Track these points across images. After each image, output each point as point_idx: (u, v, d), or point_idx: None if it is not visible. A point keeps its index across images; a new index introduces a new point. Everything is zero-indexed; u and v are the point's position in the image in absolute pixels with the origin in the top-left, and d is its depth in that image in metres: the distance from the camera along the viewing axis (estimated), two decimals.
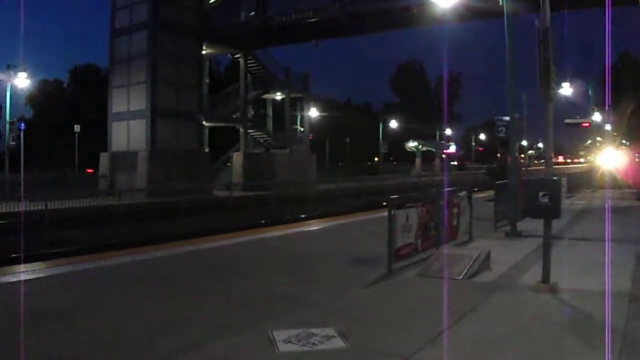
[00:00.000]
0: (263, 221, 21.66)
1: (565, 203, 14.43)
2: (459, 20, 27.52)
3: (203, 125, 34.50)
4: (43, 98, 59.96)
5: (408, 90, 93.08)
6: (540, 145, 79.92)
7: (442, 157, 73.26)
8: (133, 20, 30.81)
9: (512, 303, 6.18)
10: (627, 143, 42.57)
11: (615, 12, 24.46)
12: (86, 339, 4.98)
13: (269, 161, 37.83)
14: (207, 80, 36.58)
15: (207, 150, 35.91)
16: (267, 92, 39.98)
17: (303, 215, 24.12)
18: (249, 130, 38.17)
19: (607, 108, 32.33)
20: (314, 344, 4.73)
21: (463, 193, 10.71)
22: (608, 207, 16.43)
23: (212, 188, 31.86)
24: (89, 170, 41.88)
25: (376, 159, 77.45)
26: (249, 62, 37.15)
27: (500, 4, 11.59)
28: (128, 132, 30.81)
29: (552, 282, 6.60)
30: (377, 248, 8.29)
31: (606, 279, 6.69)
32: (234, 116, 38.11)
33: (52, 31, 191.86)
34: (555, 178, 7.10)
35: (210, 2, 33.63)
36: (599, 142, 33.47)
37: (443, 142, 76.15)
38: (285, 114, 40.36)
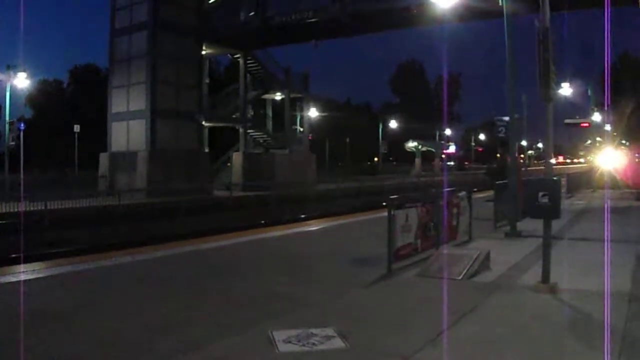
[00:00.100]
0: (263, 221, 21.66)
1: (565, 203, 14.44)
2: (458, 20, 27.53)
3: (203, 125, 34.51)
4: (43, 98, 59.94)
5: (408, 90, 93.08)
6: (540, 145, 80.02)
7: (441, 157, 73.27)
8: (133, 21, 30.81)
9: (511, 303, 6.18)
10: (627, 143, 42.56)
11: (614, 13, 24.48)
12: (86, 339, 4.98)
13: (269, 161, 37.83)
14: (207, 81, 36.59)
15: (206, 150, 35.91)
16: (266, 92, 39.98)
17: (303, 216, 24.13)
18: (249, 131, 38.18)
19: (606, 108, 32.37)
20: (313, 344, 4.74)
21: (463, 193, 10.72)
22: (607, 207, 16.44)
23: (212, 188, 31.86)
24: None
25: (376, 159, 77.45)
26: (248, 62, 37.15)
27: (500, 4, 11.59)
28: (128, 132, 30.81)
29: (552, 282, 6.61)
30: (376, 248, 8.29)
31: (606, 279, 6.70)
32: (234, 116, 38.12)
33: (52, 31, 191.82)
34: (555, 178, 7.10)
35: (210, 2, 33.63)
36: (599, 142, 33.49)
37: (443, 142, 76.17)
38: (285, 114, 40.36)
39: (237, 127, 38.63)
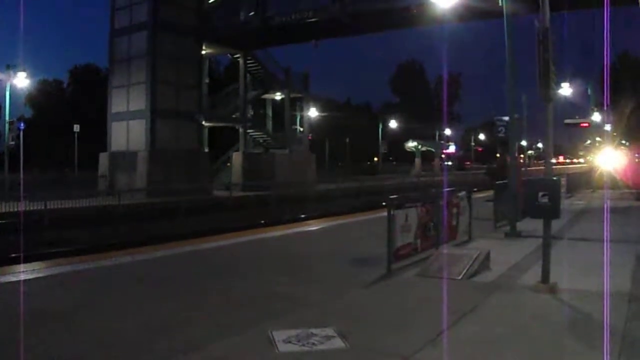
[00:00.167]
0: (263, 221, 21.66)
1: (565, 203, 14.43)
2: (458, 20, 27.53)
3: (203, 125, 34.51)
4: (43, 98, 59.95)
5: (408, 90, 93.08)
6: (540, 145, 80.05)
7: (441, 157, 73.27)
8: (133, 21, 30.82)
9: (511, 303, 6.18)
10: (627, 143, 42.59)
11: (614, 13, 24.49)
12: (86, 339, 4.99)
13: (269, 161, 37.82)
14: (207, 80, 36.59)
15: (206, 150, 35.92)
16: (266, 92, 39.98)
17: (303, 216, 24.13)
18: (249, 131, 38.18)
19: (606, 108, 32.37)
20: (313, 344, 4.74)
21: (462, 193, 10.72)
22: (607, 207, 16.45)
23: (212, 188, 31.86)
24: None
25: (376, 159, 77.45)
26: (248, 62, 37.15)
27: (500, 4, 11.60)
28: (128, 132, 30.81)
29: (552, 282, 6.61)
30: (376, 248, 8.29)
31: (605, 279, 6.70)
32: (234, 116, 38.12)
33: (52, 31, 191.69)
34: (554, 178, 7.10)
35: (210, 2, 33.63)
36: (599, 142, 33.51)
37: (442, 142, 76.18)
38: (285, 114, 40.35)
39: (237, 127, 38.63)
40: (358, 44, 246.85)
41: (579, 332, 5.07)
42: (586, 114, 31.07)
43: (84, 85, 63.50)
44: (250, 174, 35.48)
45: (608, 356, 4.40)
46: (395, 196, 8.15)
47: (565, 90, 28.36)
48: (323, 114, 54.22)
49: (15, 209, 19.40)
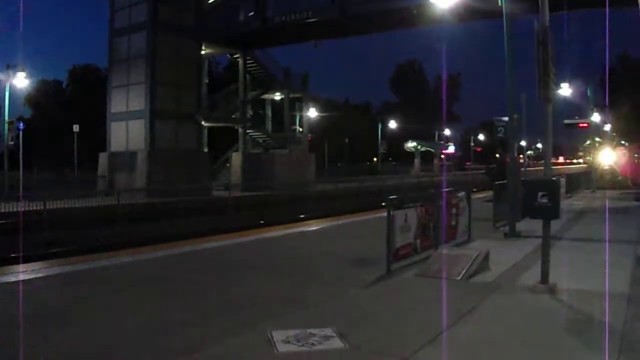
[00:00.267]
0: (262, 221, 21.65)
1: (564, 203, 14.45)
2: (458, 20, 27.56)
3: (202, 125, 34.51)
4: (42, 98, 59.87)
5: (407, 90, 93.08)
6: (539, 145, 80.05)
7: (441, 158, 73.28)
8: (132, 21, 30.82)
9: (511, 303, 6.19)
10: (626, 143, 42.63)
11: (614, 13, 24.48)
12: (86, 339, 4.98)
13: (268, 161, 37.83)
14: (207, 81, 36.60)
15: (206, 150, 35.91)
16: (266, 92, 39.99)
17: (302, 216, 24.13)
18: (248, 131, 38.18)
19: (605, 108, 32.42)
20: (312, 344, 4.74)
21: (462, 193, 10.72)
22: (607, 207, 16.46)
23: (211, 188, 31.85)
24: None
25: (375, 159, 77.45)
26: (248, 62, 37.16)
27: (499, 4, 11.60)
28: (127, 132, 30.81)
29: (551, 283, 6.61)
30: (376, 248, 8.29)
31: (605, 280, 6.71)
32: (233, 116, 38.12)
33: (51, 31, 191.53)
34: (554, 178, 7.11)
35: (210, 2, 33.65)
36: (598, 142, 33.54)
37: (442, 142, 76.18)
38: (284, 114, 40.37)
39: (236, 127, 38.64)
40: (358, 44, 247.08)
41: (578, 332, 5.07)
42: (586, 114, 31.09)
43: (84, 85, 63.45)
44: (249, 174, 35.49)
45: (607, 357, 4.41)
46: (394, 196, 8.12)
47: (565, 90, 28.35)
48: (322, 114, 54.23)
49: (15, 209, 19.37)
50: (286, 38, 35.49)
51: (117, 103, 31.46)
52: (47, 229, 18.22)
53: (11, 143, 28.33)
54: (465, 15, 24.93)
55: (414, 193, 19.30)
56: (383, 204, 8.38)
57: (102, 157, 31.53)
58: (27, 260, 11.14)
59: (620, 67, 58.20)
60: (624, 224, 12.97)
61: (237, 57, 37.61)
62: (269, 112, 42.77)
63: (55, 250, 15.30)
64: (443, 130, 78.13)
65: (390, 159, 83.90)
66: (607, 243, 9.39)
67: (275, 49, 47.29)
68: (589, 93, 32.18)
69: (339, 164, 72.23)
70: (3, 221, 18.61)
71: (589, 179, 28.25)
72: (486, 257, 7.88)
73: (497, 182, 13.37)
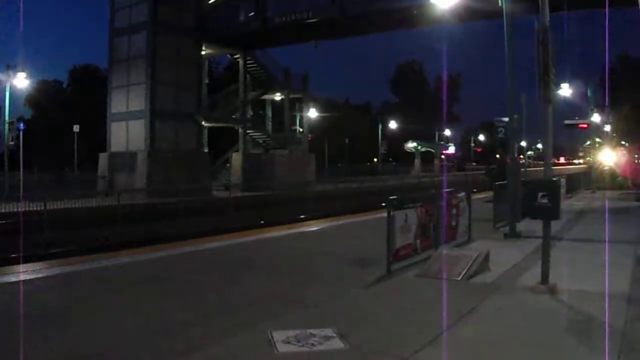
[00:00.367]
0: (262, 222, 21.64)
1: (565, 204, 14.44)
2: (458, 21, 27.55)
3: (202, 125, 34.52)
4: (42, 98, 59.87)
5: (407, 90, 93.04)
6: (540, 145, 80.00)
7: (441, 158, 73.28)
8: (132, 21, 30.85)
9: (511, 304, 6.18)
10: (626, 144, 42.65)
11: (614, 13, 24.50)
12: (86, 339, 4.98)
13: (268, 162, 37.84)
14: (207, 81, 36.61)
15: (206, 150, 35.92)
16: (266, 92, 40.00)
17: (302, 216, 24.12)
18: (248, 131, 38.19)
19: (605, 108, 32.42)
20: (313, 344, 4.74)
21: (462, 194, 10.72)
22: (607, 207, 16.47)
23: (212, 188, 31.85)
24: None
25: (375, 159, 77.45)
26: (248, 62, 37.16)
27: (500, 4, 11.60)
28: (127, 132, 30.84)
29: (551, 283, 6.61)
30: (376, 249, 8.29)
31: (605, 280, 6.71)
32: (233, 117, 38.13)
33: (51, 31, 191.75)
34: (554, 179, 7.11)
35: (210, 2, 33.65)
36: (598, 142, 33.56)
37: (442, 142, 76.16)
38: (284, 115, 40.38)
39: (236, 128, 38.64)
40: (358, 44, 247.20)
41: (578, 333, 5.07)
42: (586, 114, 31.10)
43: (84, 85, 63.42)
44: (249, 174, 35.50)
45: (608, 357, 4.41)
46: (394, 197, 8.12)
47: (565, 91, 28.35)
48: (323, 115, 54.23)
49: (15, 210, 19.38)
50: (286, 38, 35.49)
51: (117, 103, 31.48)
52: (47, 229, 18.21)
53: (11, 143, 28.31)
54: (466, 16, 24.92)
55: (414, 193, 19.31)
56: (383, 204, 8.37)
57: (102, 158, 31.54)
58: (27, 260, 11.15)
59: (620, 67, 58.18)
60: (624, 224, 12.98)
61: (237, 58, 37.62)
62: (269, 112, 42.78)
63: (56, 250, 15.29)
64: (443, 130, 78.15)
65: (390, 159, 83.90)
66: (607, 243, 9.39)
67: (275, 49, 47.44)
68: (589, 93, 32.20)
69: (339, 164, 72.18)
70: (3, 221, 18.62)
71: (589, 179, 28.25)
72: (486, 258, 7.87)
73: (497, 183, 13.37)
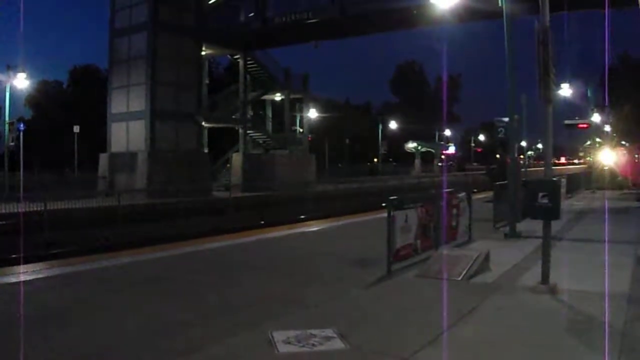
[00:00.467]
0: (262, 222, 21.64)
1: (565, 204, 14.44)
2: (458, 21, 27.55)
3: (202, 126, 34.52)
4: (42, 99, 59.89)
5: (408, 91, 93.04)
6: (540, 145, 79.99)
7: (441, 158, 73.27)
8: (132, 21, 30.84)
9: (511, 304, 6.18)
10: (626, 144, 42.63)
11: (614, 14, 24.50)
12: (86, 339, 4.99)
13: (269, 162, 37.83)
14: (207, 81, 36.62)
15: (206, 151, 35.92)
16: (266, 93, 40.00)
17: (303, 216, 24.12)
18: (249, 131, 38.19)
19: (605, 108, 32.42)
20: (313, 344, 4.74)
21: (462, 194, 10.72)
22: (607, 208, 16.46)
23: (212, 189, 31.85)
24: None
25: (375, 159, 77.47)
26: (248, 62, 37.17)
27: (500, 5, 11.60)
28: (127, 132, 30.83)
29: (552, 283, 6.61)
30: (376, 249, 8.29)
31: (605, 280, 6.71)
32: (234, 117, 38.13)
33: (52, 32, 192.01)
34: (554, 179, 7.11)
35: (210, 2, 33.65)
36: (599, 142, 33.57)
37: (442, 143, 76.15)
38: (284, 115, 40.39)
39: (236, 128, 38.64)
40: (358, 44, 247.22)
41: (578, 333, 5.07)
42: (586, 114, 31.10)
43: (84, 86, 63.43)
44: (250, 174, 35.50)
45: (608, 357, 4.41)
46: (395, 197, 8.12)
47: (565, 91, 28.35)
48: (323, 115, 54.23)
49: (15, 210, 19.38)
50: (286, 38, 35.50)
51: (118, 104, 31.48)
52: (47, 229, 18.21)
53: (12, 144, 28.32)
54: (466, 16, 24.93)
55: (414, 193, 19.29)
56: (383, 204, 8.37)
57: (103, 158, 31.54)
58: (27, 261, 11.14)
59: (620, 66, 58.16)
60: (624, 224, 12.98)
61: (238, 58, 37.62)
62: (269, 112, 42.79)
63: (56, 251, 15.28)
64: (443, 130, 78.14)
65: (390, 159, 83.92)
66: (607, 243, 9.39)
67: (276, 50, 47.40)
68: (589, 93, 32.20)
69: (340, 165, 72.18)
70: (4, 222, 18.62)
71: (589, 179, 28.25)
72: (487, 258, 7.87)
73: (497, 183, 13.37)
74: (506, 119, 14.21)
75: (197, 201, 26.59)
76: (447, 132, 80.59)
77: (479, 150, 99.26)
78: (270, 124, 42.36)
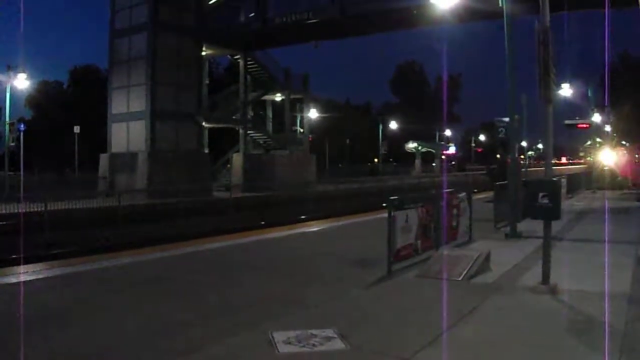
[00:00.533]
0: (263, 222, 21.64)
1: (565, 204, 14.44)
2: (458, 21, 27.53)
3: (203, 126, 34.51)
4: (43, 99, 59.89)
5: (408, 91, 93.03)
6: (540, 145, 79.98)
7: (442, 158, 73.26)
8: (133, 22, 30.84)
9: (512, 304, 6.18)
10: (627, 144, 42.63)
11: (614, 14, 24.49)
12: (86, 339, 4.99)
13: (269, 162, 37.82)
14: (207, 81, 36.60)
15: (206, 151, 35.91)
16: (266, 93, 39.97)
17: (303, 217, 24.11)
18: (249, 132, 38.18)
19: (605, 108, 32.42)
20: (313, 345, 4.74)
21: (463, 194, 10.71)
22: (608, 208, 16.46)
23: (212, 189, 31.85)
24: None
25: (376, 160, 77.47)
26: (248, 63, 37.16)
27: (500, 5, 11.61)
28: (128, 133, 30.83)
29: (552, 283, 6.61)
30: (377, 249, 8.29)
31: (606, 280, 6.70)
32: (234, 117, 38.12)
33: (52, 32, 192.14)
34: (555, 179, 7.10)
35: (210, 3, 33.65)
36: (599, 142, 33.56)
37: (443, 143, 76.12)
38: (285, 115, 40.39)
39: (237, 128, 38.63)
40: (358, 45, 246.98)
41: (579, 333, 5.07)
42: (586, 114, 31.10)
43: (84, 86, 63.42)
44: (250, 175, 35.49)
45: (608, 357, 4.40)
46: (395, 197, 8.12)
47: (566, 91, 28.33)
48: (323, 115, 54.22)
49: (16, 210, 19.39)
50: (286, 39, 35.49)
51: (118, 104, 31.48)
52: (48, 230, 18.22)
53: (12, 144, 28.33)
54: (466, 16, 24.91)
55: (414, 194, 19.29)
56: (384, 204, 8.37)
57: (103, 158, 31.54)
58: (28, 261, 11.15)
59: (621, 66, 58.12)
60: (625, 224, 12.98)
61: (238, 58, 37.61)
62: (269, 113, 42.76)
63: (56, 251, 15.28)
64: (444, 130, 78.11)
65: (391, 159, 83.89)
66: (607, 244, 9.39)
67: (276, 50, 47.43)
68: (589, 93, 32.19)
69: (340, 165, 72.15)
70: (4, 222, 18.63)
71: (590, 179, 28.24)
72: (487, 258, 7.87)
73: (497, 183, 13.37)
74: (506, 119, 14.22)
75: (198, 201, 26.59)
76: (448, 132, 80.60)
77: (480, 150, 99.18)
78: (270, 124, 42.35)
